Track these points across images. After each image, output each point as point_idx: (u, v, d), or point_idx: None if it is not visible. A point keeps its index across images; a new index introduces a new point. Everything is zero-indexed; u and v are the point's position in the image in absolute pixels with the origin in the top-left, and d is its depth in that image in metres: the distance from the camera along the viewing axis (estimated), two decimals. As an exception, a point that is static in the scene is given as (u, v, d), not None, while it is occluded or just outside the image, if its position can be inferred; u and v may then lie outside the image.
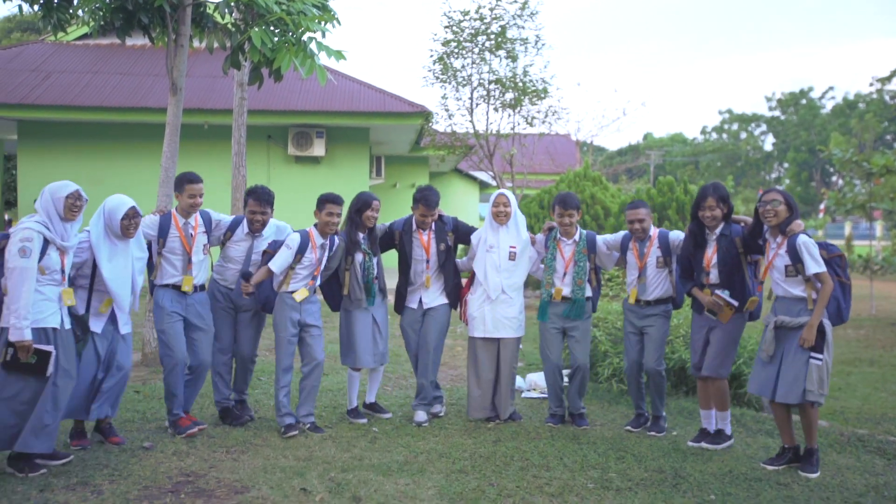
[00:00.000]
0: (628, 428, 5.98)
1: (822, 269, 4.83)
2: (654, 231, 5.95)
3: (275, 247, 5.76)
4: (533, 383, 7.39)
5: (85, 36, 18.62)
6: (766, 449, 5.52)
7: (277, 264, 5.60)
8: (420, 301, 6.23)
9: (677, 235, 5.86)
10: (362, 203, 6.00)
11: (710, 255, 5.49)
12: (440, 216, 6.28)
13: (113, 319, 5.13)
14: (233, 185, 10.50)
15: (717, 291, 5.39)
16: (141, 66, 17.58)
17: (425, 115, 16.39)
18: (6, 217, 20.86)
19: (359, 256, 5.97)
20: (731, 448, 5.51)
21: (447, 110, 17.68)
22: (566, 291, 6.02)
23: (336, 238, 5.91)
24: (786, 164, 61.62)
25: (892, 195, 16.60)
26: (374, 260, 6.07)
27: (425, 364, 6.17)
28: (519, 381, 7.49)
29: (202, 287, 5.72)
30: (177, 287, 5.56)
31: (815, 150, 47.79)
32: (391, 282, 6.26)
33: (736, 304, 5.36)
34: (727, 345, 5.48)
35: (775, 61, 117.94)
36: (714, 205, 5.43)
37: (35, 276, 4.46)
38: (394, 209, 15.85)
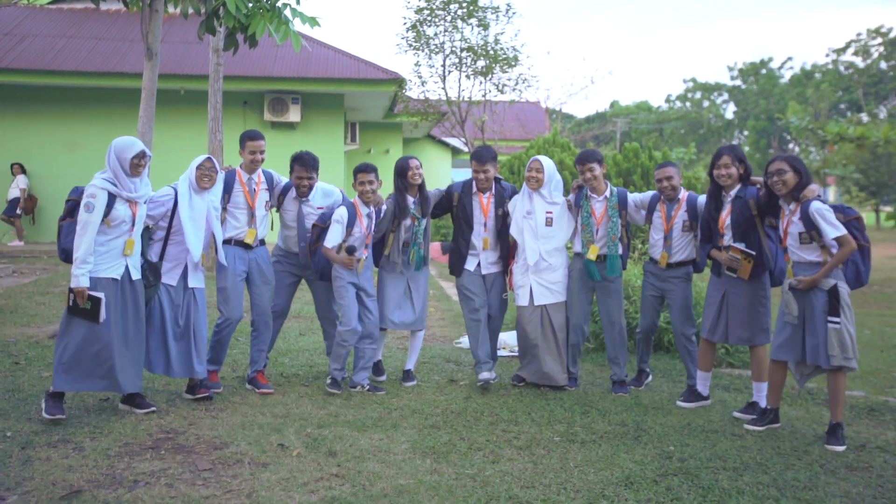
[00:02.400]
0: (630, 386, 6.06)
1: (842, 231, 4.67)
2: (683, 194, 5.90)
3: (323, 220, 5.87)
4: (503, 342, 7.57)
5: (58, -1, 18.39)
6: (722, 403, 5.76)
7: (331, 240, 5.75)
8: (478, 265, 6.22)
9: (705, 200, 5.75)
10: (400, 168, 6.05)
11: (725, 216, 5.44)
12: (500, 182, 6.30)
13: (185, 274, 5.37)
14: (209, 151, 10.53)
15: (734, 244, 5.35)
16: (116, 31, 17.39)
17: (399, 81, 16.44)
18: None
19: (407, 221, 6.04)
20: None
21: (420, 77, 17.76)
22: (602, 250, 5.97)
23: (383, 204, 6.05)
24: (745, 132, 62.34)
25: (845, 162, 17.05)
26: (423, 225, 6.09)
27: (493, 331, 6.33)
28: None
29: (262, 242, 5.88)
30: (239, 242, 5.72)
31: (774, 118, 48.37)
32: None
33: (753, 253, 5.26)
34: (750, 309, 5.38)
35: (738, 31, 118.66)
36: (729, 162, 5.37)
37: (95, 230, 4.78)
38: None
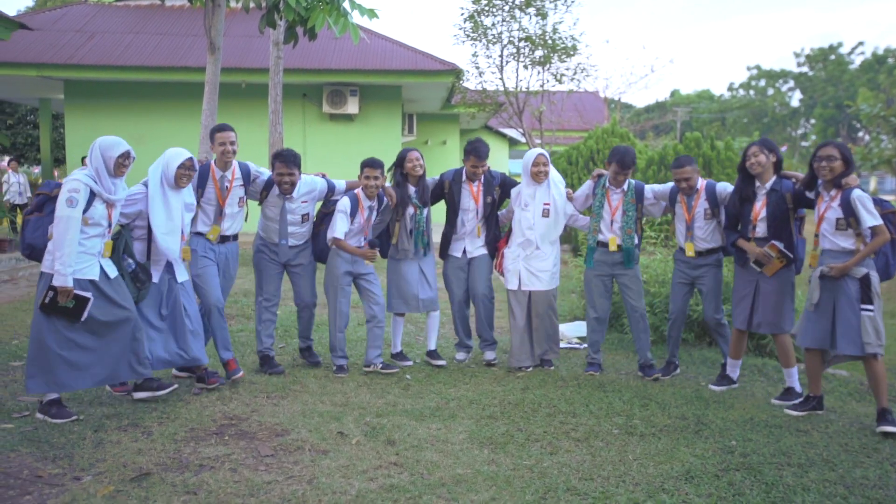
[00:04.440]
0: (657, 375, 6.11)
1: (879, 221, 4.76)
2: (701, 183, 5.94)
3: (328, 207, 6.15)
4: (561, 334, 7.54)
5: (126, -4, 18.92)
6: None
7: (339, 230, 5.92)
8: (464, 250, 6.50)
9: (725, 187, 5.85)
10: (399, 158, 6.29)
11: (759, 208, 5.46)
12: (490, 170, 6.50)
13: (170, 269, 5.33)
14: (270, 143, 10.73)
15: (773, 242, 5.36)
16: (180, 27, 17.82)
17: (456, 72, 16.43)
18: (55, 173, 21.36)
19: (409, 210, 6.24)
20: (753, 396, 5.63)
21: (477, 68, 17.68)
22: (617, 240, 6.11)
23: (385, 196, 6.19)
24: (812, 120, 60.41)
25: (919, 150, 16.40)
26: (425, 213, 6.32)
27: (479, 314, 6.58)
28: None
29: (234, 237, 5.89)
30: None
31: (843, 105, 46.70)
32: (437, 235, 6.50)
33: (791, 256, 5.34)
34: (780, 298, 5.44)
35: (805, 17, 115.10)
36: (758, 151, 5.40)
37: (79, 226, 4.63)
38: (426, 165, 16.03)
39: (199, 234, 5.74)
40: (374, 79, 16.52)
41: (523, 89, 17.48)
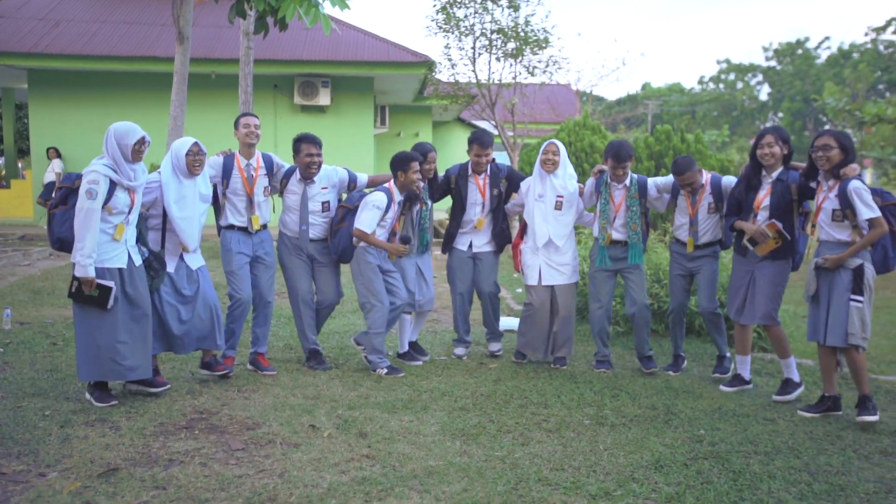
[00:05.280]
0: (669, 372, 6.06)
1: (876, 213, 4.64)
2: (706, 177, 5.89)
3: (351, 201, 5.94)
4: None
5: (91, -16, 18.61)
6: (756, 387, 5.72)
7: (367, 224, 5.73)
8: (470, 244, 6.43)
9: (730, 181, 5.77)
10: (421, 153, 6.14)
11: (763, 197, 5.37)
12: (495, 163, 6.45)
13: (183, 258, 5.34)
14: (239, 135, 10.61)
15: (773, 221, 5.27)
16: (147, 16, 17.57)
17: (428, 64, 16.42)
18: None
19: (416, 206, 6.17)
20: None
21: (450, 60, 17.61)
22: (617, 236, 6.06)
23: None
24: (780, 114, 61.21)
25: (883, 143, 16.78)
26: (429, 210, 6.27)
27: (486, 309, 6.53)
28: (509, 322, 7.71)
29: (264, 226, 5.85)
30: (242, 228, 5.70)
31: (810, 99, 47.41)
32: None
33: (788, 237, 5.23)
34: (772, 290, 5.37)
35: (773, 11, 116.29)
36: (773, 141, 5.29)
37: (99, 217, 4.69)
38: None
39: (231, 227, 5.70)
40: (346, 70, 16.45)
41: (496, 81, 17.47)
